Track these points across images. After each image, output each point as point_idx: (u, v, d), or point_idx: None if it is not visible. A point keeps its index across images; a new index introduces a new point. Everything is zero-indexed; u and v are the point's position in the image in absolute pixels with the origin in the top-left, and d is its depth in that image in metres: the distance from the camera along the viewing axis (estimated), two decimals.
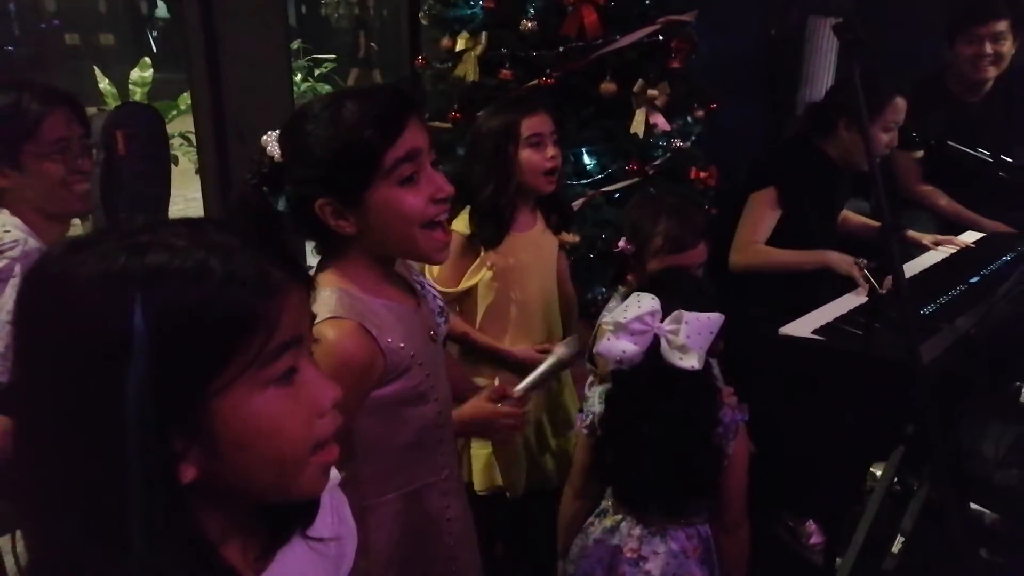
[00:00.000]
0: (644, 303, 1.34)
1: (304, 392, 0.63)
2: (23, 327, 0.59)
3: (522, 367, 1.82)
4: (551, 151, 1.82)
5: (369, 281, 1.14)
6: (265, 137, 1.09)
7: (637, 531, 1.47)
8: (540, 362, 1.52)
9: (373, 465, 1.17)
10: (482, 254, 1.85)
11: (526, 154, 1.81)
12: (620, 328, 1.33)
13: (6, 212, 1.49)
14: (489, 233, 1.81)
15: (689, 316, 1.30)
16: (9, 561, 1.61)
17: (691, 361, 1.29)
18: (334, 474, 0.82)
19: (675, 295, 1.35)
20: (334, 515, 0.81)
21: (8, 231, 1.46)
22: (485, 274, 1.87)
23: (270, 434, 0.61)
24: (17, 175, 1.47)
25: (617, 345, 1.33)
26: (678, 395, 1.36)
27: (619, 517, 1.49)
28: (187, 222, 0.63)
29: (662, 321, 1.33)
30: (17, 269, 1.42)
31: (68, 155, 1.50)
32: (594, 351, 1.40)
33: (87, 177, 1.54)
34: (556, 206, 1.95)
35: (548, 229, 1.95)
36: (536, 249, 1.91)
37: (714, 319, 1.32)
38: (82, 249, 0.58)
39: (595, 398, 1.49)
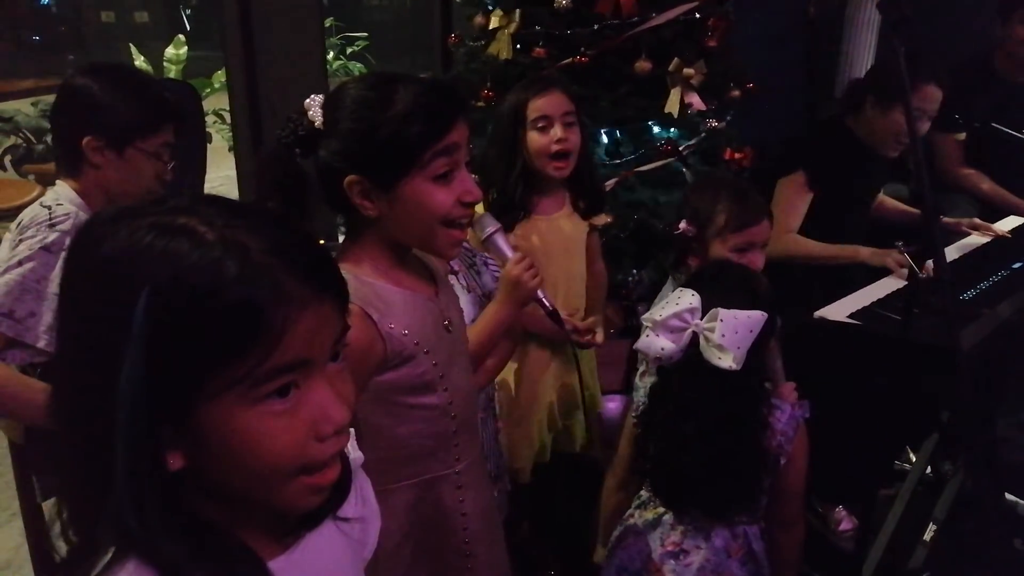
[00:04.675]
0: (683, 300, 1.31)
1: (304, 413, 0.61)
2: (62, 290, 0.61)
3: (541, 339, 1.86)
4: (558, 133, 1.75)
5: (382, 264, 1.14)
6: (308, 100, 1.08)
7: (681, 526, 1.43)
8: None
9: (378, 453, 1.15)
10: None
11: (532, 136, 1.77)
12: (658, 325, 1.31)
13: (63, 186, 1.53)
14: (498, 215, 1.75)
15: (725, 314, 1.26)
16: (54, 527, 1.66)
17: (728, 361, 1.25)
18: (357, 455, 0.82)
19: (716, 291, 1.31)
20: (358, 496, 0.81)
21: (61, 204, 1.49)
22: None
23: (254, 451, 0.59)
24: (115, 161, 1.51)
25: (656, 342, 1.31)
26: (719, 394, 1.31)
27: (661, 510, 1.46)
28: (232, 211, 0.61)
29: (702, 318, 1.29)
30: (68, 242, 1.45)
31: (162, 162, 1.56)
32: (634, 347, 1.37)
33: (164, 185, 1.59)
34: (584, 191, 1.89)
35: (575, 213, 1.90)
36: (559, 234, 1.87)
37: (754, 318, 1.27)
38: (122, 219, 0.58)
39: (643, 390, 1.46)
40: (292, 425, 0.60)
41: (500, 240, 1.36)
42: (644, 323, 1.35)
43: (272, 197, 1.08)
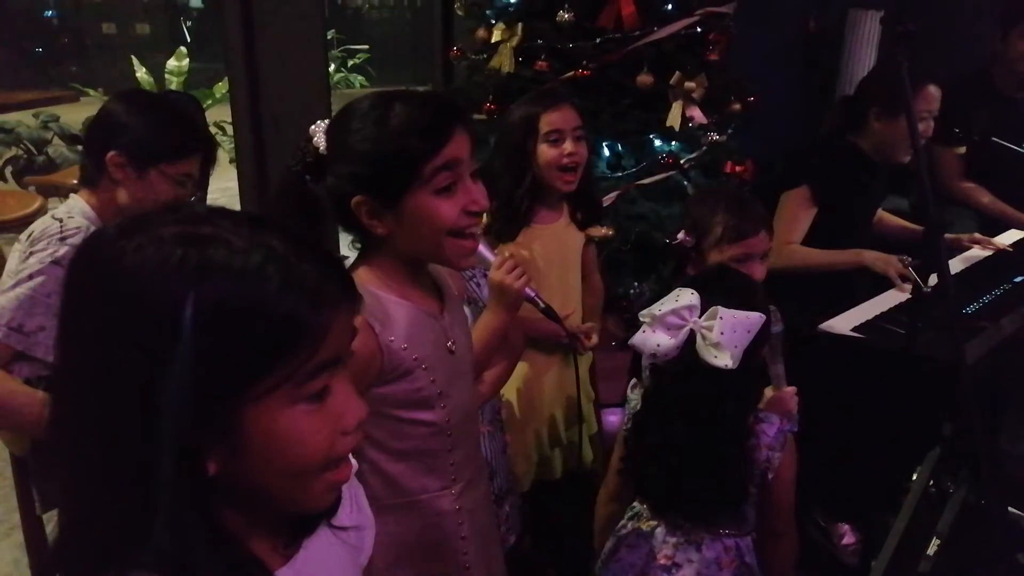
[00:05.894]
0: (683, 298, 1.31)
1: (332, 410, 0.62)
2: (70, 307, 0.59)
3: (539, 345, 1.85)
4: (569, 147, 1.78)
5: (392, 280, 1.15)
6: (313, 127, 1.10)
7: (672, 539, 1.42)
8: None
9: (372, 467, 1.16)
10: (499, 246, 1.82)
11: (543, 149, 1.79)
12: (656, 321, 1.31)
13: (77, 199, 1.54)
14: (502, 225, 1.79)
15: (725, 313, 1.27)
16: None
17: (724, 360, 1.26)
18: (352, 462, 0.83)
19: (716, 292, 1.32)
20: (353, 504, 0.81)
21: (72, 217, 1.49)
22: None
23: (291, 449, 0.60)
24: (135, 180, 1.53)
25: (652, 338, 1.31)
26: (710, 396, 1.32)
27: (654, 523, 1.45)
28: (248, 219, 0.61)
29: (700, 317, 1.30)
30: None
31: (183, 190, 1.58)
32: (629, 343, 1.38)
33: None
34: (583, 202, 1.91)
35: (572, 223, 1.92)
36: (557, 243, 1.88)
37: (752, 319, 1.27)
38: (136, 233, 0.57)
39: (636, 400, 1.46)
40: (323, 421, 0.61)
41: (481, 248, 1.37)
42: (641, 319, 1.35)
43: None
